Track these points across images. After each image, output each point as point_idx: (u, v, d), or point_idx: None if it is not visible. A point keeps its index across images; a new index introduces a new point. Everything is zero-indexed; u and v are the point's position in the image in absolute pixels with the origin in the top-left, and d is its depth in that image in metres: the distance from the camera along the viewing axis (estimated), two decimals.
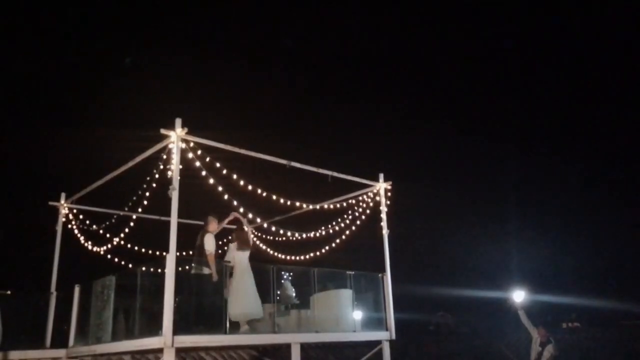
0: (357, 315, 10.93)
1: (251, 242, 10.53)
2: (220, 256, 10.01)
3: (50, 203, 12.08)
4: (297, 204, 10.90)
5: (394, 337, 10.95)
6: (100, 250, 11.68)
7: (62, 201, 12.04)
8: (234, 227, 10.74)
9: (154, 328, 7.88)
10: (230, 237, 10.38)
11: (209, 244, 9.39)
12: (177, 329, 7.65)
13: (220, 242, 11.34)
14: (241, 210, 9.76)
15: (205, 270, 9.25)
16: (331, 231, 12.06)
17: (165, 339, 7.47)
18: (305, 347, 10.41)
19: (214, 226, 9.81)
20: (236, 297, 9.31)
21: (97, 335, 9.49)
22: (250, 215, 10.21)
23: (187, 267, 9.35)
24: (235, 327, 9.34)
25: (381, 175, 11.81)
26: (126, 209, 10.24)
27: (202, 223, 10.07)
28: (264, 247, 13.52)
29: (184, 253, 10.37)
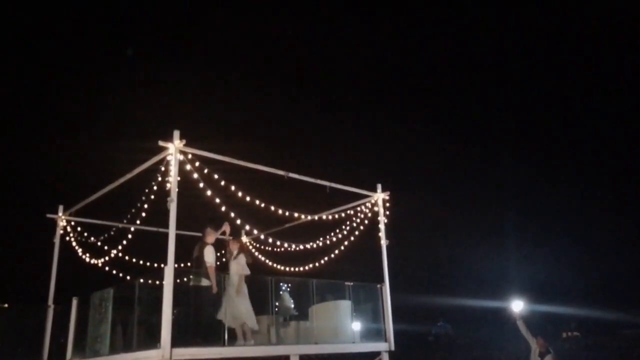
0: (356, 326, 10.90)
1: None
2: (220, 268, 9.97)
3: (48, 215, 12.06)
4: (295, 214, 10.91)
5: (393, 348, 10.92)
6: (98, 263, 11.66)
7: (60, 213, 12.02)
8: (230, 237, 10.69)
9: (152, 341, 7.85)
10: (233, 249, 10.23)
11: (210, 256, 9.34)
12: (176, 342, 7.62)
13: (218, 254, 11.33)
14: (238, 221, 9.74)
15: (204, 282, 9.22)
16: (329, 242, 12.07)
17: (164, 352, 7.45)
18: (304, 359, 10.38)
19: (212, 238, 9.78)
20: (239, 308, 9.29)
21: (95, 348, 9.45)
22: (247, 227, 10.21)
23: (185, 279, 9.33)
24: (233, 339, 9.32)
25: (379, 186, 11.84)
26: (124, 221, 10.27)
27: (200, 235, 10.08)
28: (263, 259, 13.53)
29: (182, 265, 10.39)
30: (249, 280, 10.49)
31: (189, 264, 10.39)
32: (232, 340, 9.23)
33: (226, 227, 9.94)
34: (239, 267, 9.79)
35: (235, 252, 9.98)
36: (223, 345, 8.82)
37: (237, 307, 9.30)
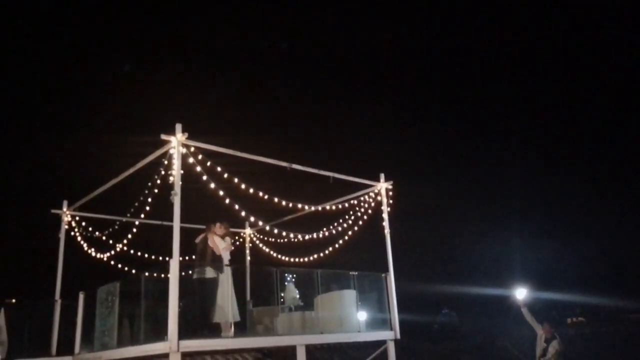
0: (362, 315, 10.94)
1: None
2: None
3: (53, 211, 12.10)
4: (299, 205, 10.92)
5: (398, 336, 10.96)
6: (103, 257, 11.70)
7: (65, 209, 12.06)
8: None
9: (159, 333, 7.90)
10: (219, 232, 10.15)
11: (219, 244, 9.67)
12: (182, 334, 7.67)
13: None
14: (243, 213, 9.75)
15: (208, 274, 9.30)
16: (334, 232, 12.08)
17: (171, 344, 7.49)
18: (310, 349, 10.42)
19: (220, 231, 9.93)
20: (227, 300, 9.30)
21: (103, 341, 9.52)
22: (252, 218, 10.23)
23: (190, 272, 9.39)
24: (243, 329, 9.38)
25: (382, 175, 11.83)
26: (128, 215, 10.27)
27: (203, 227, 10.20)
28: (267, 250, 13.57)
29: (187, 258, 10.44)
30: (254, 271, 10.52)
31: (193, 257, 10.47)
32: (242, 331, 9.28)
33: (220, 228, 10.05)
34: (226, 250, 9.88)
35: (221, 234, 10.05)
36: (230, 336, 8.87)
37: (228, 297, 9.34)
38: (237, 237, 13.70)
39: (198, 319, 8.86)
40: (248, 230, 14.14)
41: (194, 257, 10.13)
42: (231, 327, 9.22)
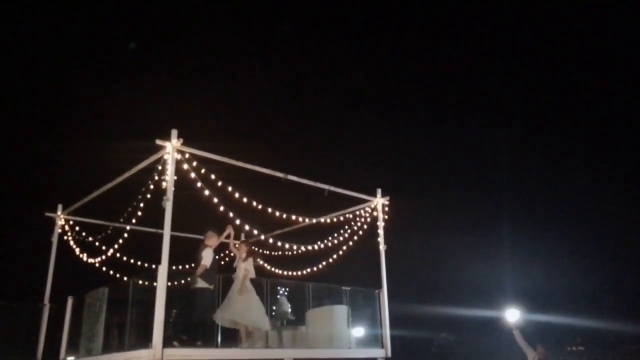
0: (353, 331, 10.78)
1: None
2: (222, 270, 9.86)
3: (47, 214, 12.02)
4: (294, 217, 10.81)
5: (389, 354, 10.77)
6: (95, 262, 11.58)
7: (59, 212, 11.98)
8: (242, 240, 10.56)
9: (144, 341, 7.78)
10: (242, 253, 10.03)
11: (206, 258, 9.31)
12: (167, 342, 7.54)
13: (222, 255, 11.27)
14: (237, 222, 9.65)
15: (199, 284, 9.16)
16: (330, 244, 11.93)
17: (155, 352, 7.36)
18: None
19: (213, 241, 9.66)
20: (246, 306, 9.20)
21: (88, 347, 9.39)
22: (247, 228, 10.10)
23: (182, 281, 9.26)
24: (231, 340, 9.26)
25: (379, 191, 11.74)
26: (121, 220, 10.17)
27: (197, 237, 10.06)
28: (260, 262, 13.41)
29: (180, 267, 10.32)
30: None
31: (187, 266, 10.35)
32: (230, 342, 9.16)
33: (229, 230, 9.84)
34: (246, 270, 9.68)
35: (244, 255, 9.85)
36: (216, 347, 8.75)
37: (239, 306, 9.21)
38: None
39: (184, 328, 8.71)
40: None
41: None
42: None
